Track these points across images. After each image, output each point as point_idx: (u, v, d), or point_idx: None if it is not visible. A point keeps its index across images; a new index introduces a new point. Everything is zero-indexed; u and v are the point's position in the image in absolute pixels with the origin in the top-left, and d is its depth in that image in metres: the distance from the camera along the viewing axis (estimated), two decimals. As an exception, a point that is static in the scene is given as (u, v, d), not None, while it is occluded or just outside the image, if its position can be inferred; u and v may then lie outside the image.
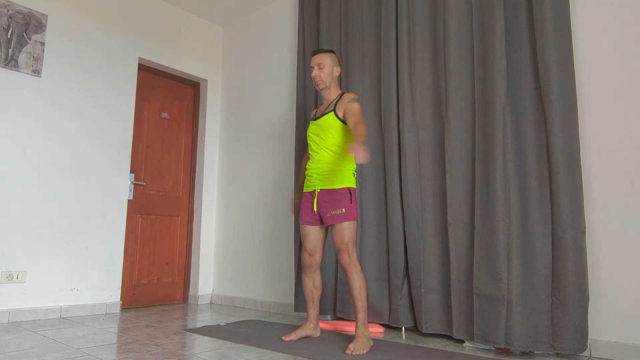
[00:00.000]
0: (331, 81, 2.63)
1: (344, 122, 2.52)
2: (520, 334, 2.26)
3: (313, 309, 2.60)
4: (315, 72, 2.61)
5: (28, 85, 3.28)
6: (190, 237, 4.32)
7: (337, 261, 3.08)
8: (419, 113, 2.85)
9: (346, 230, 2.41)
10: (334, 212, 2.44)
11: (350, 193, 2.47)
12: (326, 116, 2.56)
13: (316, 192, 2.53)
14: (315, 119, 2.63)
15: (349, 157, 2.53)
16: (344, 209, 2.43)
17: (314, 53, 2.65)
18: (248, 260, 4.04)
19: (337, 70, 2.64)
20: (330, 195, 2.48)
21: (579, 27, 2.43)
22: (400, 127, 2.88)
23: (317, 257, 2.58)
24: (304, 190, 2.65)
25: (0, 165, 3.12)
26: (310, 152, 2.65)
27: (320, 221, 2.54)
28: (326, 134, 2.54)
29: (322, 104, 2.70)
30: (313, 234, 2.57)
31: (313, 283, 2.59)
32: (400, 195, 2.84)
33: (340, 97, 2.58)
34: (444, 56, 2.77)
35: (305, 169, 2.67)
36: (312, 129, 2.64)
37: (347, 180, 2.50)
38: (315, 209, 2.52)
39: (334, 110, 2.54)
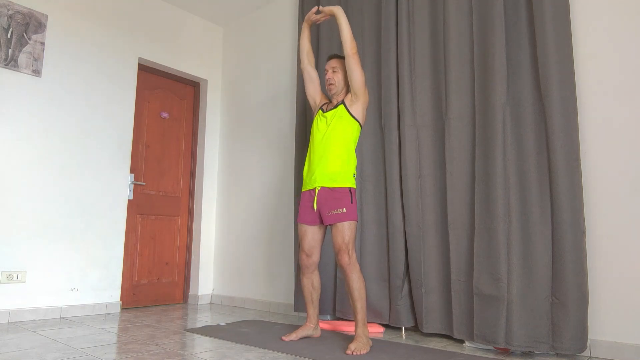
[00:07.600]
0: (343, 87, 2.63)
1: (353, 116, 2.52)
2: (520, 334, 2.26)
3: (312, 310, 2.60)
4: (329, 74, 2.63)
5: (28, 85, 3.28)
6: (190, 237, 4.32)
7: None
8: (419, 113, 2.84)
9: (347, 229, 2.41)
10: (334, 211, 2.43)
11: (350, 193, 2.46)
12: (335, 109, 2.56)
13: (316, 190, 2.52)
14: (325, 111, 2.62)
15: (352, 157, 2.53)
16: (344, 209, 2.42)
17: (330, 57, 2.67)
18: (248, 260, 4.04)
19: None
20: (331, 194, 2.47)
21: (579, 27, 2.43)
22: (400, 127, 2.88)
23: (315, 257, 2.57)
24: (302, 190, 2.64)
25: (0, 165, 3.12)
26: (312, 147, 2.60)
27: (320, 220, 2.53)
28: (332, 126, 2.51)
29: (330, 103, 2.69)
30: (311, 234, 2.56)
31: (312, 284, 2.58)
32: (400, 195, 2.84)
33: (346, 95, 2.61)
34: (444, 56, 2.77)
35: (305, 167, 2.66)
36: (319, 121, 2.61)
37: (348, 180, 2.49)
38: (315, 207, 2.51)
39: (343, 102, 2.56)
